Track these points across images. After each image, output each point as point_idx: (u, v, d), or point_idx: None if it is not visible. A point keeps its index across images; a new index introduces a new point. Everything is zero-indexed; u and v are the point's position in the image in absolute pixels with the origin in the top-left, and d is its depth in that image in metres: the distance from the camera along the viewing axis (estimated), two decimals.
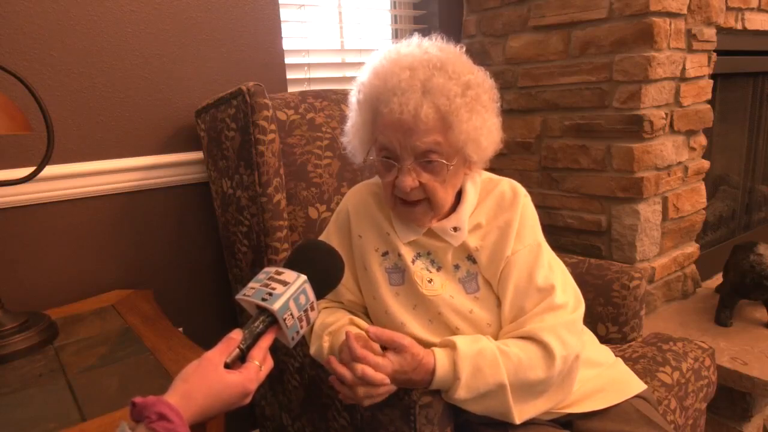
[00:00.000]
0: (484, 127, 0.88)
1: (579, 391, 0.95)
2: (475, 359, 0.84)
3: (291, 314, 0.73)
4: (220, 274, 1.47)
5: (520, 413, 0.86)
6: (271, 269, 0.77)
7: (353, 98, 0.94)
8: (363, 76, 0.92)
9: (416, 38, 0.92)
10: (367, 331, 0.87)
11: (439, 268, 0.96)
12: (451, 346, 0.86)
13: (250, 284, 0.76)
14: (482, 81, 0.89)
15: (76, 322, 1.12)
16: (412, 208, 0.91)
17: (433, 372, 0.84)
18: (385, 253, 0.98)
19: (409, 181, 0.86)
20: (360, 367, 0.80)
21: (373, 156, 0.92)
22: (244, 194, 1.19)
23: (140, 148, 1.32)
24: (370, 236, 0.99)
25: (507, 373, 0.84)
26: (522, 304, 0.91)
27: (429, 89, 0.83)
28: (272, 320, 0.73)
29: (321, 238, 1.07)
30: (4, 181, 1.01)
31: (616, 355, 1.09)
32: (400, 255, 0.96)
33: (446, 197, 0.91)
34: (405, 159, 0.86)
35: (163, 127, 1.35)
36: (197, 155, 1.38)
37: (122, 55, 1.26)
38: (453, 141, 0.85)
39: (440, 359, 0.85)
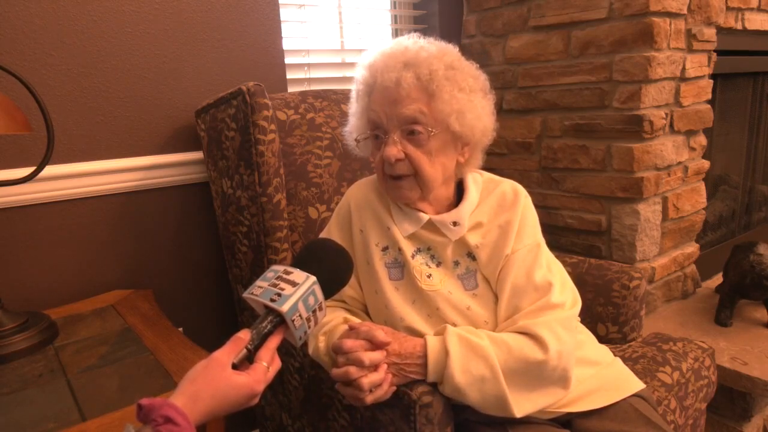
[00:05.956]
0: (469, 103, 0.92)
1: (577, 390, 0.95)
2: (463, 338, 0.87)
3: (299, 315, 0.72)
4: (220, 274, 1.47)
5: (517, 404, 0.86)
6: (280, 268, 0.76)
7: (353, 88, 1.01)
8: (360, 69, 0.99)
9: (412, 35, 0.98)
10: (351, 328, 0.89)
11: (438, 264, 0.97)
12: (441, 330, 0.90)
13: (258, 282, 0.75)
14: (467, 66, 0.95)
15: (76, 322, 1.12)
16: (399, 182, 0.94)
17: (424, 345, 0.86)
18: (385, 248, 0.99)
19: (393, 151, 0.90)
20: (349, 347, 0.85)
21: (366, 136, 0.98)
22: (244, 194, 1.19)
23: (140, 148, 1.32)
24: (372, 231, 1.00)
25: (498, 358, 0.85)
26: (518, 302, 0.92)
27: (411, 62, 0.90)
28: (280, 321, 0.72)
29: (323, 234, 1.08)
30: (4, 181, 1.01)
31: (616, 355, 1.09)
32: (400, 249, 0.98)
33: (434, 174, 0.93)
34: (391, 131, 0.91)
35: (163, 127, 1.35)
36: (197, 155, 1.38)
37: (122, 55, 1.26)
38: (436, 111, 0.90)
39: (429, 337, 0.89)
